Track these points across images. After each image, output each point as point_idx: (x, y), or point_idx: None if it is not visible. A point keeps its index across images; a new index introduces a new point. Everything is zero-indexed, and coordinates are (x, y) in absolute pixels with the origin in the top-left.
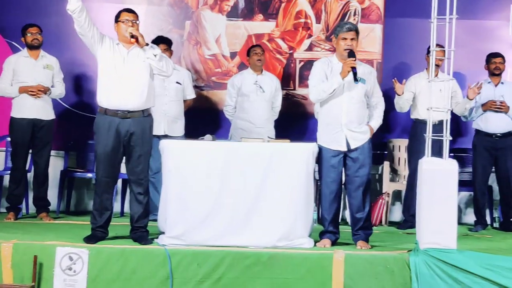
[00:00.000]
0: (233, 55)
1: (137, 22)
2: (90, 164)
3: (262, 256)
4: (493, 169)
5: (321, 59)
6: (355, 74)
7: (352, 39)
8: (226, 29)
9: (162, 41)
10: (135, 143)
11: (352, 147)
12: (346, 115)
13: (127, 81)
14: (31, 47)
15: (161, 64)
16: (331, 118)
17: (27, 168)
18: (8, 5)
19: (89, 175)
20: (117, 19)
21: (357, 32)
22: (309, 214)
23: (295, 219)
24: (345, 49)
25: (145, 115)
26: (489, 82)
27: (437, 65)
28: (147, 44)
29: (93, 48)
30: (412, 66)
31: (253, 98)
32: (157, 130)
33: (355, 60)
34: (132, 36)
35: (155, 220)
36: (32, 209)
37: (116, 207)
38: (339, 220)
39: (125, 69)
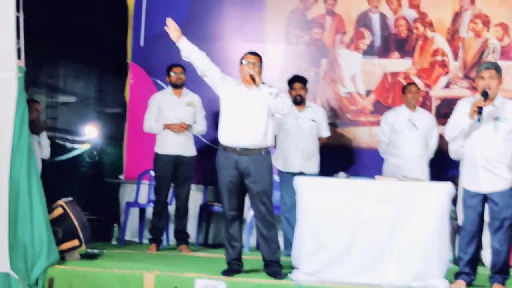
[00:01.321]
0: (368, 92)
1: (259, 64)
2: (221, 199)
3: None
4: None
5: (466, 98)
6: (479, 113)
7: (490, 77)
8: (362, 67)
9: (298, 80)
10: (254, 180)
11: (490, 190)
12: (483, 156)
13: (245, 120)
14: (175, 85)
15: (276, 102)
16: (469, 158)
17: (168, 201)
18: (154, 46)
19: None
20: (241, 61)
21: (497, 70)
22: (444, 255)
23: (430, 259)
24: (482, 89)
25: (263, 153)
26: None
27: None
28: (263, 83)
29: (214, 87)
30: None
31: (406, 134)
32: (292, 167)
33: (485, 100)
34: (249, 76)
35: (289, 256)
36: (173, 241)
37: (252, 241)
38: (477, 262)
39: (244, 108)
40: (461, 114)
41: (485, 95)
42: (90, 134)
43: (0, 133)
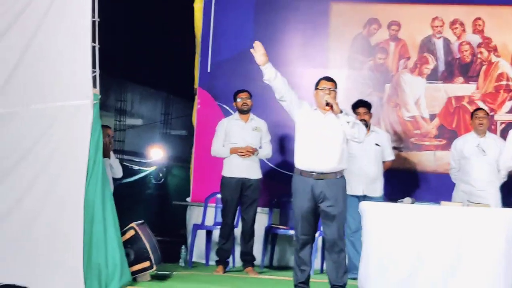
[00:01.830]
0: (432, 117)
1: (335, 90)
2: (292, 221)
3: None
4: None
5: None
6: None
7: None
8: (426, 91)
9: (362, 105)
10: (330, 204)
11: None
12: None
13: (322, 145)
14: (241, 111)
15: (353, 131)
16: None
17: (235, 224)
18: (220, 72)
19: (291, 232)
20: (316, 86)
21: None
22: (509, 282)
23: (496, 287)
24: None
25: (338, 177)
26: None
27: None
28: (341, 112)
29: (291, 112)
30: None
31: (474, 160)
32: (356, 190)
33: None
34: (327, 104)
35: (354, 279)
36: (238, 263)
37: (317, 264)
38: None
39: (321, 133)
40: None
41: None
42: (155, 156)
43: (76, 159)
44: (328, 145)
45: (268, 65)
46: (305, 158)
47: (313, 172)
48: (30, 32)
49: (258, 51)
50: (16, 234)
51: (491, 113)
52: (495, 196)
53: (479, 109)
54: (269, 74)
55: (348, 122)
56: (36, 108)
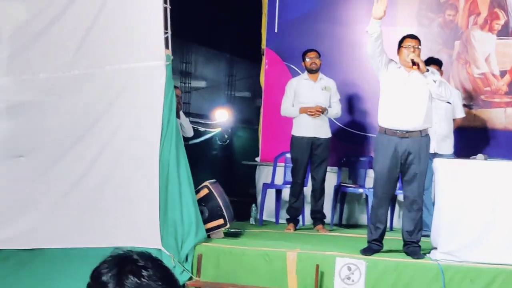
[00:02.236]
0: (502, 73)
1: (419, 47)
2: (361, 179)
3: None
4: None
5: None
6: None
7: None
8: (496, 47)
9: (433, 62)
10: (412, 162)
11: None
12: None
13: (407, 103)
14: (310, 70)
15: (440, 90)
16: None
17: (304, 182)
18: (287, 32)
19: (360, 190)
20: (400, 44)
21: None
22: None
23: None
24: None
25: (423, 135)
26: None
27: None
28: (427, 70)
29: (378, 71)
30: None
31: None
32: None
33: None
34: (414, 63)
35: (425, 236)
36: (308, 221)
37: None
38: None
39: (406, 91)
40: None
41: None
42: (220, 118)
43: (151, 119)
44: (413, 103)
45: (380, 21)
46: (389, 117)
47: (397, 130)
48: None
49: (381, 3)
50: (93, 194)
51: None
52: None
53: None
54: (376, 29)
55: (434, 81)
56: (111, 69)
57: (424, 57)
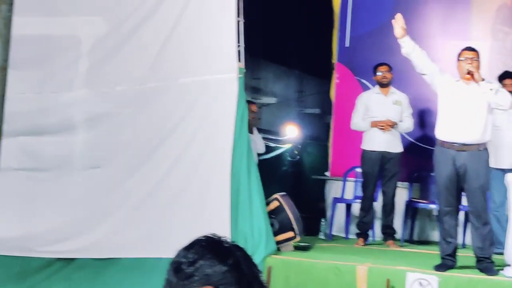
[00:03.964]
0: None
1: (477, 59)
2: (432, 195)
3: None
4: None
5: None
6: None
7: None
8: None
9: (509, 76)
10: (470, 176)
11: None
12: None
13: (465, 116)
14: (381, 84)
15: (497, 98)
16: None
17: (375, 197)
18: (359, 46)
19: (431, 206)
20: (458, 57)
21: None
22: None
23: None
24: None
25: (481, 149)
26: None
27: None
28: (483, 80)
29: (433, 84)
30: None
31: None
32: (502, 164)
33: None
34: (468, 73)
35: (498, 254)
36: (378, 236)
37: (459, 239)
38: None
39: (464, 104)
40: None
41: None
42: (290, 134)
43: (222, 130)
44: (471, 116)
45: (406, 38)
46: (446, 129)
47: (455, 143)
48: (179, 8)
49: (398, 24)
50: (167, 204)
51: None
52: None
53: None
54: (407, 47)
55: (491, 90)
56: (184, 82)
57: (498, 71)
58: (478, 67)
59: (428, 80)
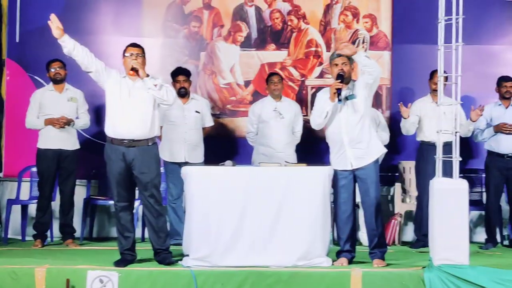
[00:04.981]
0: (247, 83)
1: (142, 55)
2: (111, 192)
3: (283, 275)
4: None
5: (324, 89)
6: (338, 95)
7: (343, 63)
8: (240, 58)
9: (181, 72)
10: (141, 171)
11: (356, 166)
12: (347, 135)
13: (131, 112)
14: (55, 81)
15: (161, 93)
16: (334, 139)
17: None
18: (30, 42)
19: (110, 202)
20: (123, 53)
21: (349, 58)
22: (326, 235)
23: (314, 240)
24: (336, 74)
25: (150, 144)
26: (499, 105)
27: (434, 90)
28: (148, 76)
29: (100, 82)
30: (418, 91)
31: (272, 124)
32: (177, 157)
33: (341, 82)
34: (132, 69)
35: (177, 245)
36: (57, 236)
37: (138, 233)
38: (355, 240)
39: (130, 100)
40: (322, 101)
41: (340, 77)
42: None
43: None
44: (138, 112)
45: (65, 38)
46: (115, 126)
47: (124, 140)
48: None
49: (53, 24)
50: None
51: (302, 79)
52: (292, 157)
53: (272, 73)
54: (67, 47)
55: (155, 85)
56: None
57: (171, 67)
58: (143, 63)
59: (94, 77)
